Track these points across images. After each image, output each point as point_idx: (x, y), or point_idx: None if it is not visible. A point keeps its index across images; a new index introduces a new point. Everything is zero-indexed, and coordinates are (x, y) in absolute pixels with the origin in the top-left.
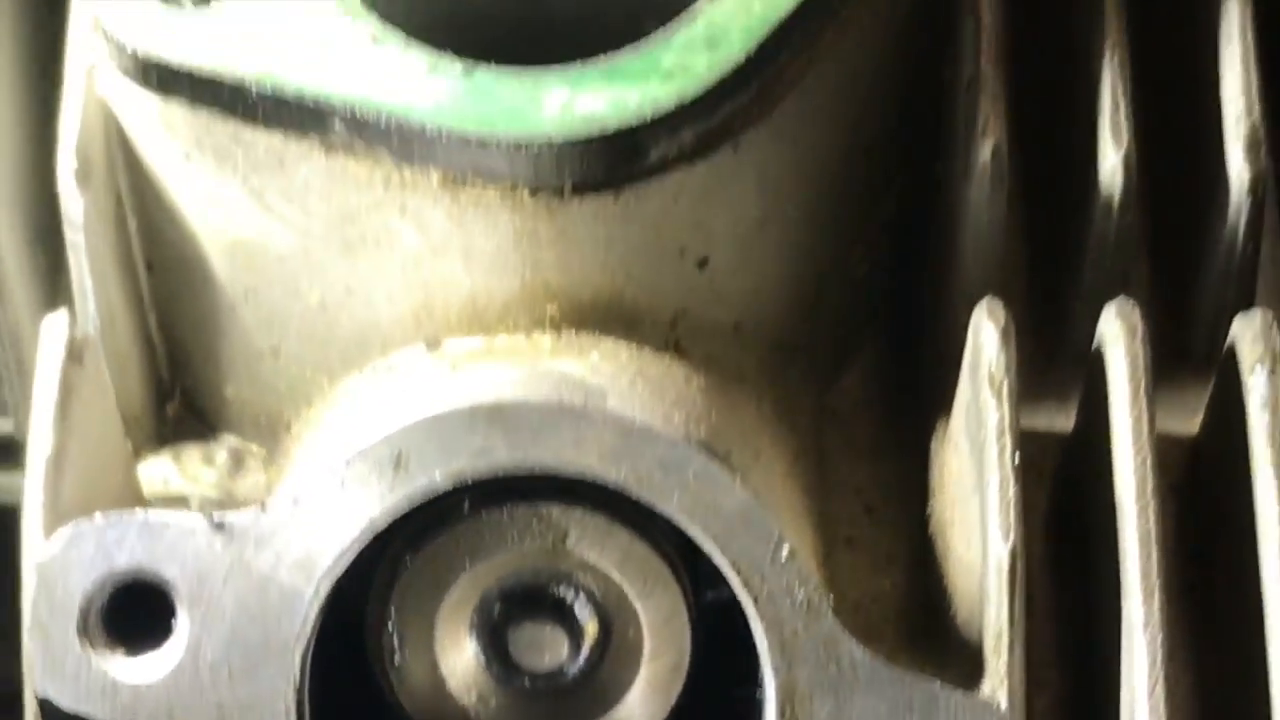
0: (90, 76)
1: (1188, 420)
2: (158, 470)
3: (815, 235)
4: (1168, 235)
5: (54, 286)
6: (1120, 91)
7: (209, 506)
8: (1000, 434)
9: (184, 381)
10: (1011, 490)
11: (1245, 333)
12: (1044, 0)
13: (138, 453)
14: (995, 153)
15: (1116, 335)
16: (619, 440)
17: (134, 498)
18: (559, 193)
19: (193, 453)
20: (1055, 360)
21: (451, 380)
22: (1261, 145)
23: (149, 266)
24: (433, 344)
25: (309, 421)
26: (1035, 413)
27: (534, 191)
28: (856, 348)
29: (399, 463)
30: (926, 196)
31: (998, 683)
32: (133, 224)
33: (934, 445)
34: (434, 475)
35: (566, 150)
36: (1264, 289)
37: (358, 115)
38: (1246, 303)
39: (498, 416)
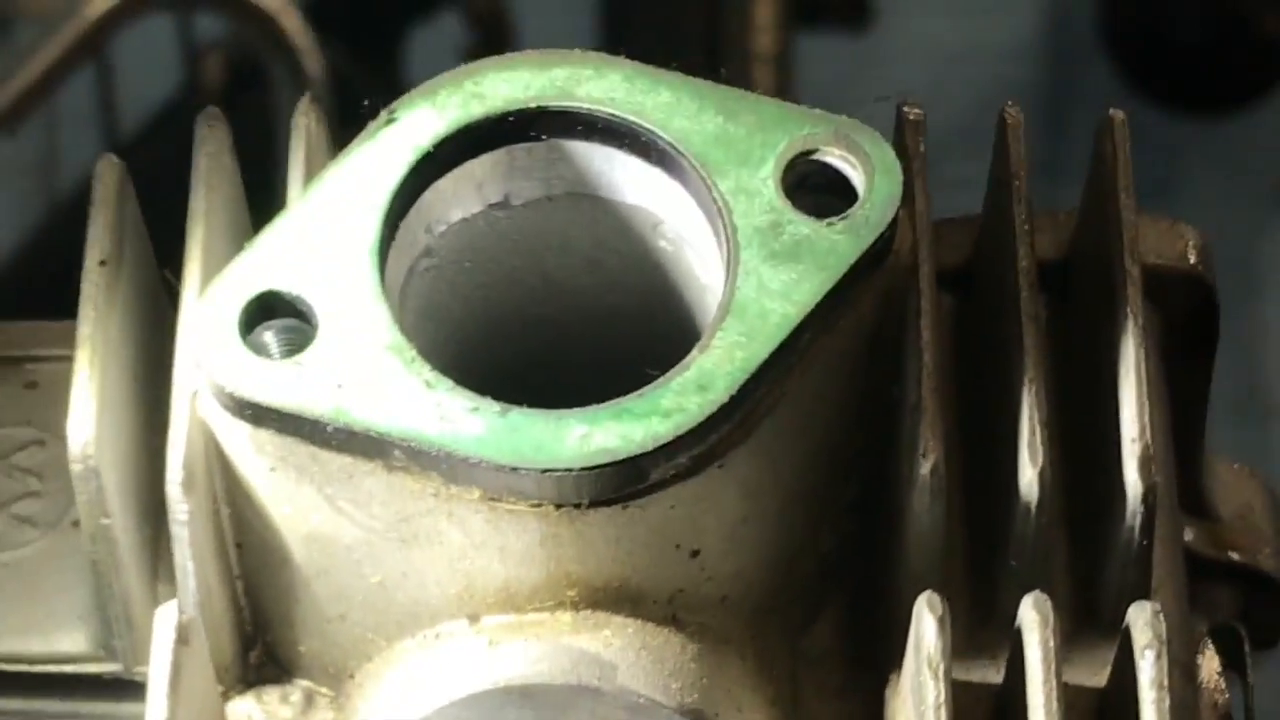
0: (193, 401)
1: (1098, 672)
2: (243, 707)
3: (788, 524)
4: (1084, 522)
5: (155, 554)
6: (1038, 419)
7: None
8: (937, 708)
9: (265, 636)
10: None
11: (1138, 619)
12: (980, 340)
13: (226, 693)
14: (934, 470)
15: (1032, 623)
16: (628, 714)
17: None
18: (578, 506)
19: (272, 693)
20: (989, 625)
21: (488, 656)
22: (1152, 462)
23: (238, 546)
24: (473, 619)
25: (369, 674)
26: (971, 667)
27: (558, 506)
28: (825, 603)
29: None
30: (879, 484)
31: None
32: (225, 514)
33: (888, 693)
34: None
35: (585, 476)
36: (1161, 566)
37: (413, 446)
38: (1143, 583)
39: (527, 696)
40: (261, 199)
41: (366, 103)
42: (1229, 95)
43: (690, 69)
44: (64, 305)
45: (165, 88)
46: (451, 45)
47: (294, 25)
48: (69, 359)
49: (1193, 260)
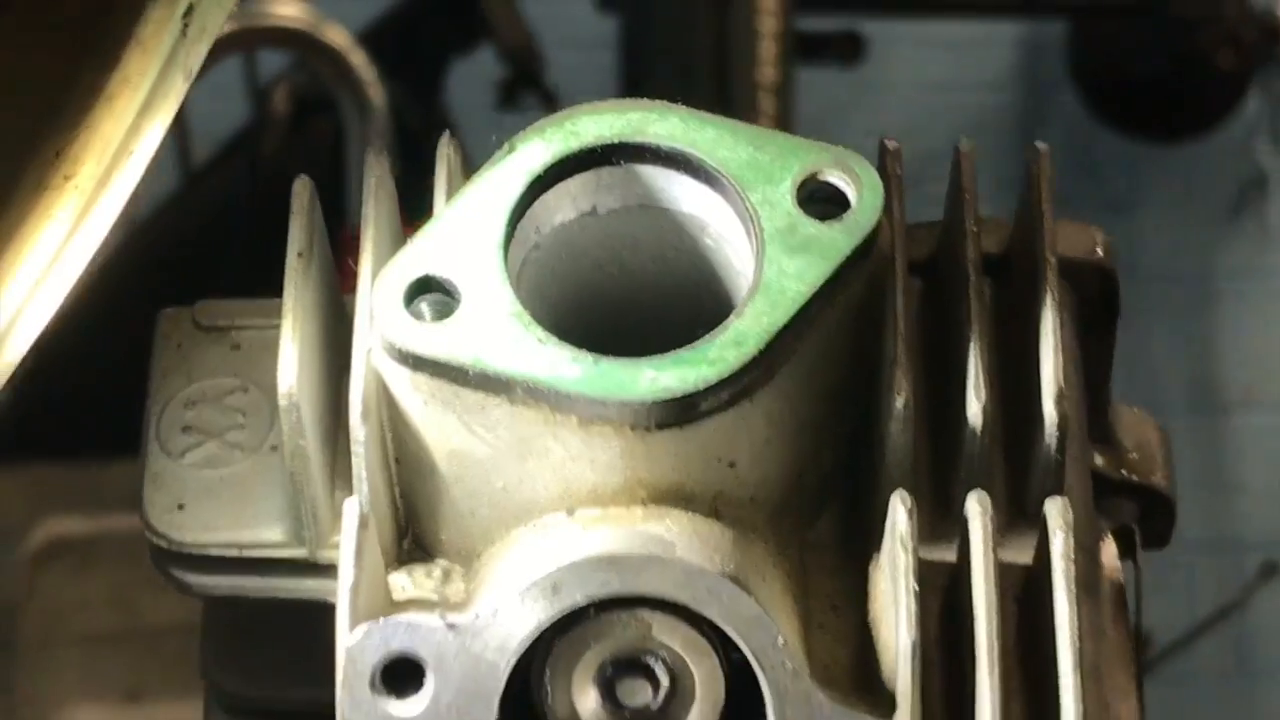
0: (368, 355)
1: (1025, 553)
2: (398, 580)
3: (800, 446)
4: (1016, 444)
5: (334, 470)
6: (981, 367)
7: (439, 609)
8: (906, 573)
9: (414, 528)
10: (913, 605)
11: (1051, 510)
12: (940, 314)
13: (386, 569)
14: (906, 405)
15: (975, 514)
16: (683, 577)
17: (389, 601)
18: (648, 429)
19: (419, 570)
20: (945, 519)
21: (583, 536)
22: (1064, 399)
23: (397, 462)
24: (570, 512)
25: (492, 554)
26: (931, 550)
27: (633, 428)
28: (827, 504)
29: (555, 589)
30: (867, 418)
31: (904, 715)
32: (388, 438)
33: (871, 568)
34: (576, 597)
35: (653, 407)
36: (1071, 477)
37: (529, 385)
38: (1058, 487)
39: (613, 563)
40: (335, 207)
41: (495, 137)
42: (1185, 123)
43: (703, 96)
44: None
45: (232, 119)
46: (487, 76)
47: (360, 61)
48: (262, 328)
49: (1100, 254)
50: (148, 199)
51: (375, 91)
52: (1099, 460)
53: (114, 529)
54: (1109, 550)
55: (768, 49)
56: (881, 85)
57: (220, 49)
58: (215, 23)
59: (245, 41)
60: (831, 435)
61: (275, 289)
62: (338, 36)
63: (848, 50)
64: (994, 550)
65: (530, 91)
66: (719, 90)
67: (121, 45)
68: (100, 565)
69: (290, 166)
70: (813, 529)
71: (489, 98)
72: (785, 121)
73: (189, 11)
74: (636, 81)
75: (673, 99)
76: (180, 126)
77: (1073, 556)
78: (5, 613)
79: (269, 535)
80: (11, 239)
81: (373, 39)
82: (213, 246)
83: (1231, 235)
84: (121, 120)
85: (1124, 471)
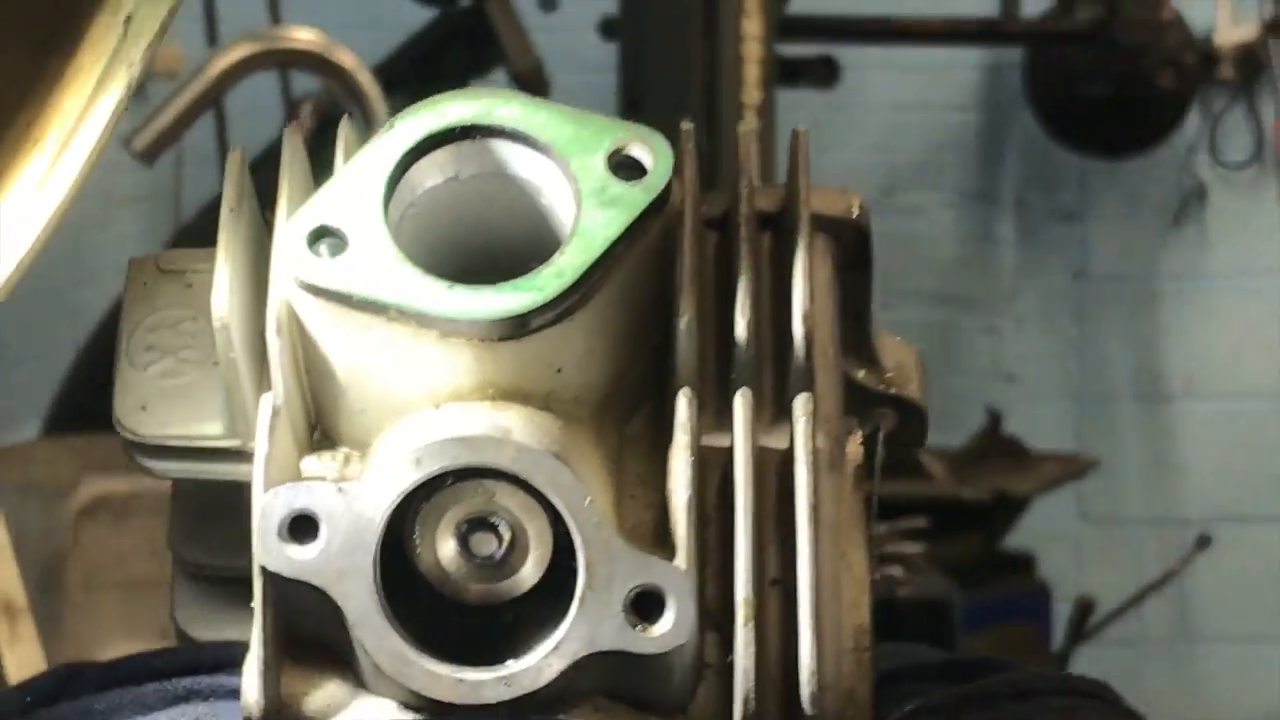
0: (281, 279)
1: (785, 439)
2: (309, 464)
3: (615, 356)
4: (777, 358)
5: (261, 378)
6: (749, 292)
7: (335, 480)
8: (684, 449)
9: (322, 423)
10: (688, 472)
11: (796, 404)
12: (727, 260)
13: (300, 455)
14: (688, 324)
15: (738, 406)
16: (516, 453)
17: (298, 475)
18: (492, 341)
19: (325, 455)
20: (726, 413)
21: (443, 424)
22: (809, 319)
23: (307, 371)
24: (436, 406)
25: (378, 444)
26: (716, 437)
27: (482, 339)
28: (641, 403)
29: (418, 462)
30: (665, 336)
31: (683, 557)
32: (300, 352)
33: (669, 452)
34: (434, 468)
35: (495, 323)
36: (822, 383)
37: (400, 309)
38: (809, 388)
39: (464, 442)
40: None
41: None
42: (1131, 139)
43: (694, 114)
44: None
45: (269, 130)
46: None
47: (366, 79)
48: (208, 271)
49: (855, 212)
50: (193, 203)
51: (380, 106)
52: (861, 374)
53: (149, 488)
54: (854, 439)
55: (752, 73)
56: (855, 105)
57: (248, 66)
58: (151, 27)
59: (267, 61)
60: (642, 348)
61: None
62: (347, 58)
63: (824, 74)
64: (755, 435)
65: None
66: (708, 109)
67: (75, 42)
68: (136, 519)
69: (314, 170)
70: (629, 423)
71: None
72: (767, 137)
73: (129, 19)
74: (634, 102)
75: (667, 117)
76: (221, 136)
77: (813, 438)
78: (54, 561)
79: (211, 429)
80: None
81: (398, 64)
82: None
83: (1174, 241)
84: (77, 98)
85: (882, 386)
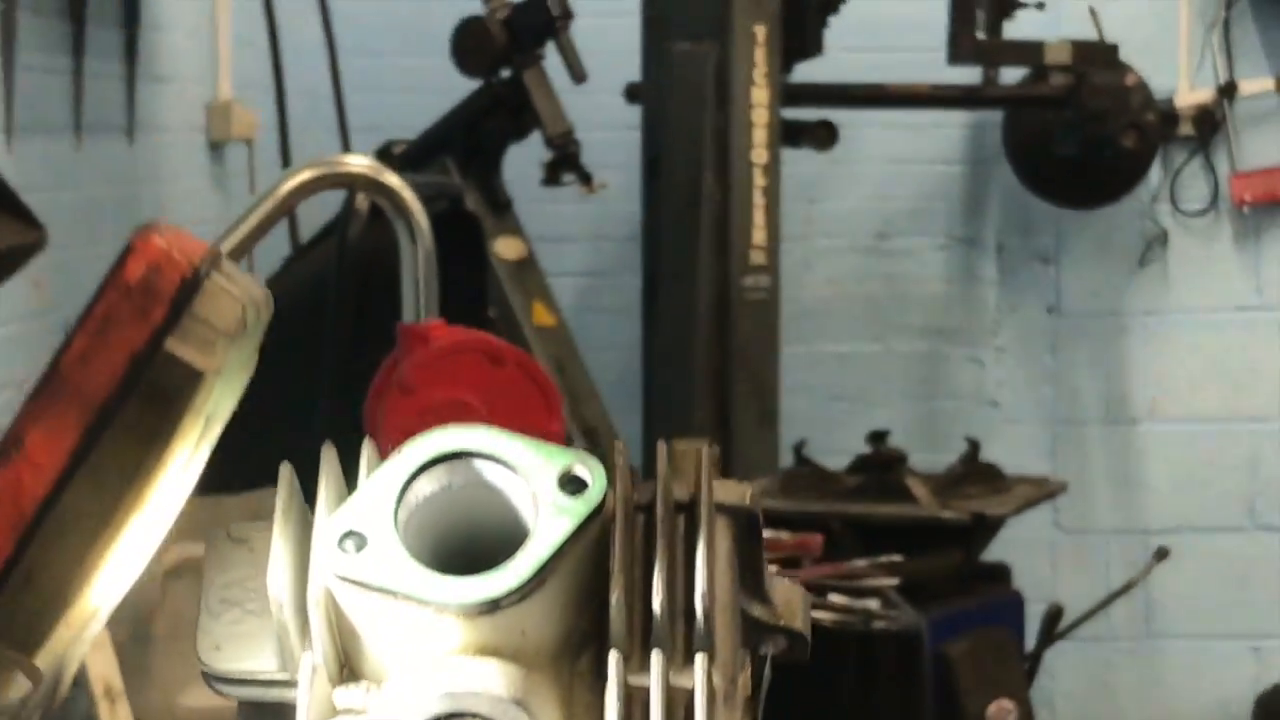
0: (318, 566)
1: (692, 680)
2: (339, 695)
3: (565, 619)
4: (692, 614)
5: (303, 633)
6: (662, 575)
7: (360, 710)
8: (612, 692)
9: (349, 662)
10: (616, 704)
11: (696, 661)
12: (653, 535)
13: (333, 687)
14: (618, 600)
15: (654, 665)
16: (488, 702)
17: (331, 707)
18: (474, 615)
19: (352, 688)
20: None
21: (438, 674)
22: (707, 596)
23: (338, 628)
24: (433, 659)
25: (389, 685)
26: (642, 677)
27: (466, 615)
28: (586, 648)
29: (419, 708)
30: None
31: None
32: (334, 616)
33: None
34: (433, 709)
35: (477, 604)
36: (723, 627)
37: (405, 594)
38: (706, 648)
39: (451, 693)
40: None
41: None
42: (1098, 192)
43: (709, 170)
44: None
45: (328, 211)
46: (536, 160)
47: (409, 196)
48: (267, 539)
49: (747, 502)
50: (265, 270)
51: (421, 218)
52: (756, 611)
53: None
54: (744, 675)
55: (760, 136)
56: (853, 159)
57: (314, 187)
58: (221, 419)
59: (330, 183)
60: (587, 607)
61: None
62: (393, 179)
63: (823, 137)
64: (667, 678)
65: (570, 170)
66: (720, 166)
67: (170, 436)
68: None
69: (367, 247)
70: (578, 660)
71: (537, 174)
72: (773, 192)
73: (209, 420)
74: (655, 159)
75: (687, 174)
76: (291, 219)
77: (708, 682)
78: (145, 613)
79: (268, 665)
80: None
81: (446, 129)
82: (311, 306)
83: (1139, 281)
84: (170, 474)
85: (772, 619)
